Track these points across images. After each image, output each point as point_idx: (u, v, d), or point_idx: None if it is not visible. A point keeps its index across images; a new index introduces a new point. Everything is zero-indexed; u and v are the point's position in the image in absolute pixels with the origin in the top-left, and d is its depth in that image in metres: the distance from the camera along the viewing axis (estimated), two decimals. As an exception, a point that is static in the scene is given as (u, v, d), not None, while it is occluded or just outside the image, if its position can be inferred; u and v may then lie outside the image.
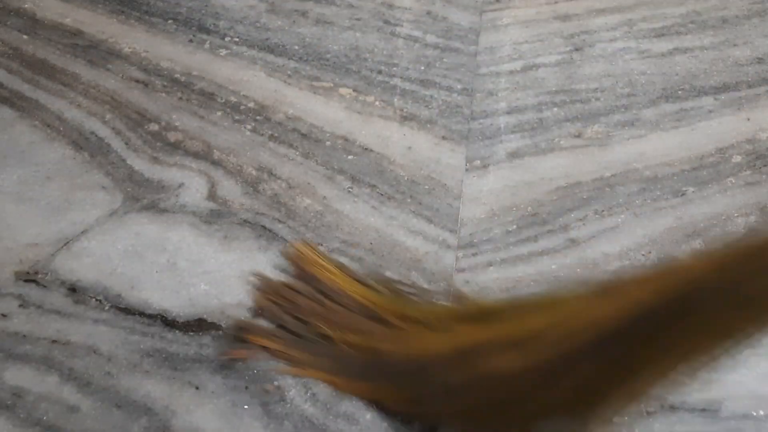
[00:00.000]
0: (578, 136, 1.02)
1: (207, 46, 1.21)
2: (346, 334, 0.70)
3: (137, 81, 1.13)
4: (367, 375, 0.68)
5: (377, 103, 1.09)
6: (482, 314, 0.67)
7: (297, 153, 1.00)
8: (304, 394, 0.69)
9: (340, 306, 0.73)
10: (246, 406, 0.68)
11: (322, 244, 0.85)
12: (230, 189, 0.93)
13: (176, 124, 1.04)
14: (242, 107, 1.08)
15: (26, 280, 0.80)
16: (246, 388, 0.70)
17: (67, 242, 0.85)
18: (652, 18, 1.28)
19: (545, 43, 1.23)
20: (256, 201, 0.92)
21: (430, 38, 1.24)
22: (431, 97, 1.11)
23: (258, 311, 0.76)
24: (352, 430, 0.67)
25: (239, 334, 0.74)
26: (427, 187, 0.94)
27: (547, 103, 1.09)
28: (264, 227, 0.88)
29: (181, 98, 1.09)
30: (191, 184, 0.94)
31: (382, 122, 1.05)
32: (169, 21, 1.28)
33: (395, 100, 1.10)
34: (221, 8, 1.31)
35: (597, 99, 1.09)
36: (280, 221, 0.89)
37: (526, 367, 0.55)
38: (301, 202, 0.92)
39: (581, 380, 0.54)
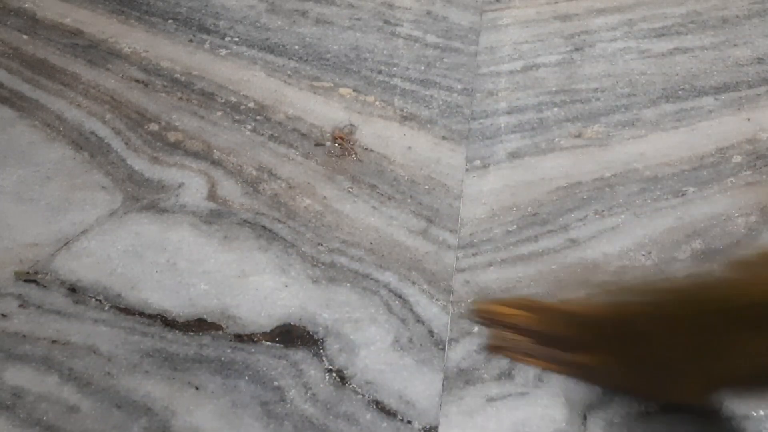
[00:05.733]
0: (578, 136, 1.02)
1: (207, 46, 1.21)
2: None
3: (137, 81, 1.13)
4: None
5: (377, 103, 1.09)
6: None
7: (297, 153, 1.00)
8: (304, 394, 0.69)
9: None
10: (246, 406, 0.68)
11: (322, 244, 0.85)
12: (230, 189, 0.93)
13: (176, 124, 1.04)
14: (242, 107, 1.08)
15: (26, 280, 0.80)
16: (246, 388, 0.70)
17: (67, 242, 0.85)
18: (652, 18, 1.28)
19: (545, 43, 1.23)
20: (256, 201, 0.92)
21: (431, 38, 1.24)
22: (431, 97, 1.11)
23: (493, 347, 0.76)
24: (352, 430, 0.67)
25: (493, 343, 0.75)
26: (427, 187, 0.94)
27: (547, 103, 1.09)
28: (264, 227, 0.88)
29: (181, 98, 1.09)
30: (191, 184, 0.94)
31: (382, 122, 1.05)
32: (169, 21, 1.28)
33: (395, 100, 1.10)
34: (221, 8, 1.31)
35: (597, 99, 1.09)
36: (280, 221, 0.89)
37: None
38: (301, 202, 0.92)
39: None
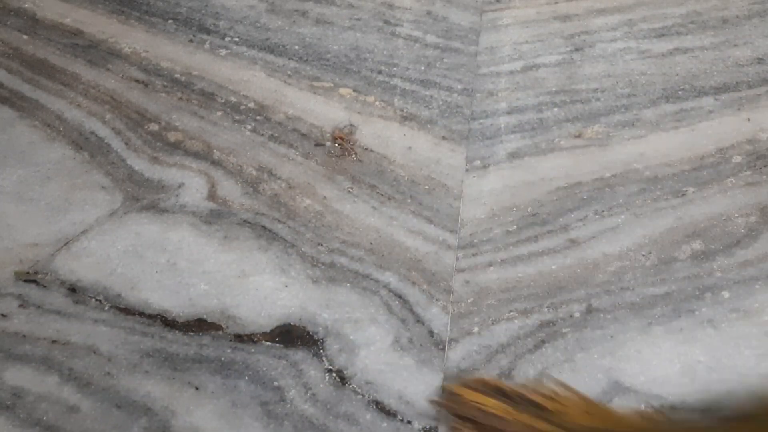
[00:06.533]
0: (578, 136, 1.02)
1: (207, 46, 1.21)
2: None
3: (137, 81, 1.13)
4: None
5: (377, 103, 1.09)
6: None
7: (297, 153, 1.00)
8: (304, 394, 0.69)
9: None
10: (246, 406, 0.68)
11: (322, 244, 0.85)
12: (230, 189, 0.93)
13: (176, 124, 1.04)
14: (242, 107, 1.08)
15: (26, 280, 0.80)
16: (246, 388, 0.70)
17: (67, 242, 0.85)
18: (652, 18, 1.28)
19: (545, 43, 1.23)
20: (256, 201, 0.92)
21: (430, 38, 1.24)
22: (431, 97, 1.11)
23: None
24: (352, 430, 0.67)
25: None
26: (427, 187, 0.94)
27: (547, 103, 1.09)
28: (264, 227, 0.88)
29: (181, 98, 1.09)
30: (191, 184, 0.94)
31: (382, 122, 1.05)
32: (169, 21, 1.28)
33: (395, 100, 1.10)
34: (221, 8, 1.31)
35: (597, 99, 1.09)
36: (280, 221, 0.89)
37: None
38: (301, 202, 0.92)
39: None
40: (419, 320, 0.77)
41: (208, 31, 1.25)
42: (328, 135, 1.01)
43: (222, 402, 0.69)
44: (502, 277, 0.82)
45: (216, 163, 0.98)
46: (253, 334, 0.75)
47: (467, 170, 0.97)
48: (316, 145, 0.96)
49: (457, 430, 0.67)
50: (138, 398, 0.69)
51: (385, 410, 0.69)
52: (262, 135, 1.03)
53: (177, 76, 1.14)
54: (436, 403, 0.70)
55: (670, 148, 0.99)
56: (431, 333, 0.76)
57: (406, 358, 0.73)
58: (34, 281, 0.80)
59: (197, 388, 0.70)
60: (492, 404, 0.67)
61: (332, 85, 1.13)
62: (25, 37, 1.22)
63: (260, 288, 0.80)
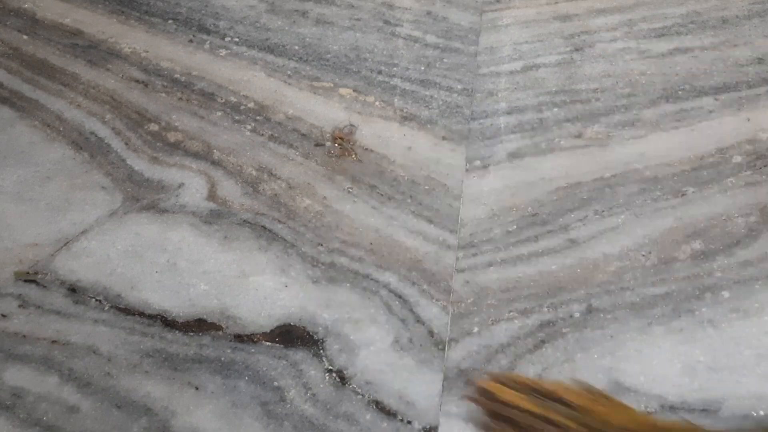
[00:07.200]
0: (578, 136, 1.02)
1: (207, 46, 1.21)
2: None
3: (137, 81, 1.13)
4: None
5: (377, 103, 1.09)
6: None
7: (297, 153, 1.00)
8: (304, 394, 0.69)
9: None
10: (246, 406, 0.68)
11: (322, 244, 0.85)
12: (230, 189, 0.93)
13: (176, 124, 1.04)
14: (242, 107, 1.08)
15: (26, 280, 0.80)
16: (246, 388, 0.70)
17: (67, 242, 0.85)
18: (652, 18, 1.28)
19: (545, 43, 1.23)
20: (256, 201, 0.92)
21: (430, 38, 1.24)
22: (431, 97, 1.11)
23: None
24: (352, 430, 0.67)
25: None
26: (427, 187, 0.94)
27: (547, 103, 1.09)
28: (264, 227, 0.88)
29: (181, 98, 1.09)
30: (191, 184, 0.94)
31: (382, 122, 1.05)
32: (169, 21, 1.28)
33: (395, 100, 1.10)
34: (221, 8, 1.31)
35: (597, 99, 1.09)
36: (280, 221, 0.89)
37: None
38: (301, 202, 0.92)
39: None
40: (419, 320, 0.77)
41: (208, 31, 1.25)
42: (328, 135, 1.01)
43: (222, 402, 0.69)
44: (502, 277, 0.82)
45: (216, 163, 0.98)
46: (253, 334, 0.75)
47: (467, 170, 0.97)
48: (316, 145, 0.96)
49: (491, 429, 0.66)
50: (138, 398, 0.69)
51: (385, 410, 0.69)
52: (262, 135, 1.03)
53: (177, 76, 1.14)
54: (470, 399, 0.69)
55: (670, 148, 0.99)
56: (431, 333, 0.76)
57: (406, 358, 0.73)
58: (34, 281, 0.80)
59: (197, 388, 0.70)
60: (529, 405, 0.65)
61: (332, 85, 1.13)
62: (25, 37, 1.22)
63: (260, 288, 0.80)
